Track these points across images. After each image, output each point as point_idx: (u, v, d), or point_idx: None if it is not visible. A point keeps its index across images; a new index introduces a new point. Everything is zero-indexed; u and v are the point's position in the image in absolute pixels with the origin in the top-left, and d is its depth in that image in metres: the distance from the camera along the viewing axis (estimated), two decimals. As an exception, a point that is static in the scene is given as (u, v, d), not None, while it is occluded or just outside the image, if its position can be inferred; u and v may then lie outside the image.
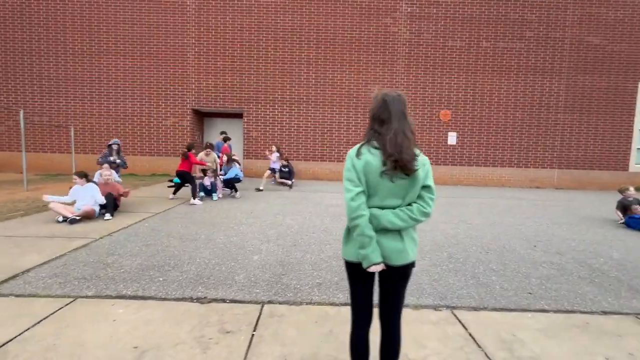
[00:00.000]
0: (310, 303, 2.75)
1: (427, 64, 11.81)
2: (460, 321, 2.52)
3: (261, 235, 4.67)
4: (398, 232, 1.50)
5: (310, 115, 11.96)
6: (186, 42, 11.64)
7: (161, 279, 3.10)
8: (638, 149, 12.31)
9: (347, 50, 11.75)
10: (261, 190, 8.81)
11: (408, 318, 2.52)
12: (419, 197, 1.52)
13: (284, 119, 11.96)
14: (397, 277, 1.58)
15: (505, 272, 3.57)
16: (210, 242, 4.27)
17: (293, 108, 11.93)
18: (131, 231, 4.64)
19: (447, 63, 11.83)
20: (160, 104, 11.87)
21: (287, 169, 10.13)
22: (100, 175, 5.73)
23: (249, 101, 11.87)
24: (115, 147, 7.04)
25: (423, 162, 1.50)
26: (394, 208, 1.50)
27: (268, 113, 11.94)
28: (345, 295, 2.88)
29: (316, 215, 6.05)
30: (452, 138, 12.05)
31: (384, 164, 1.45)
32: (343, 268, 3.50)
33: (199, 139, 12.69)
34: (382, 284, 1.61)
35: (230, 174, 8.02)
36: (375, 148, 1.49)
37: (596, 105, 12.00)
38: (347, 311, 2.21)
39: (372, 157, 1.47)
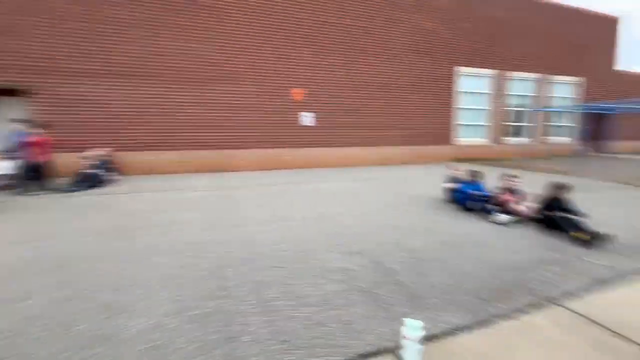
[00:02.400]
0: None
1: (277, 37, 10.70)
2: None
3: None
4: None
5: (138, 93, 9.46)
6: None
7: None
8: (462, 125, 14.27)
9: (182, 14, 9.59)
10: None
11: None
12: None
13: (99, 97, 9.11)
14: None
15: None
16: None
17: (114, 83, 9.18)
18: None
19: (298, 37, 10.99)
20: None
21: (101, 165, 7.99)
22: None
23: (38, 73, 8.54)
24: None
25: None
26: None
27: (73, 89, 8.87)
28: None
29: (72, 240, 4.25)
30: (307, 118, 11.48)
31: None
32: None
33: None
34: None
35: None
36: None
37: (427, 86, 13.22)
38: None
39: None
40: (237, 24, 10.21)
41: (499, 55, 14.39)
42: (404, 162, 13.13)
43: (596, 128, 17.52)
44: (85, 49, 8.85)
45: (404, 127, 13.01)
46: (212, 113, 10.25)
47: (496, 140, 14.99)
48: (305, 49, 11.07)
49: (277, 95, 10.96)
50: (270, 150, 11.08)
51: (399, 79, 12.57)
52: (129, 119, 9.45)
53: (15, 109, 8.61)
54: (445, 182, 6.26)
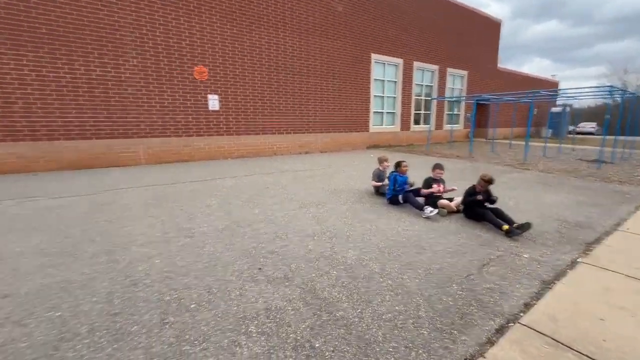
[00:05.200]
0: None
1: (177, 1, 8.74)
2: None
3: None
4: None
5: None
6: None
7: None
8: (374, 112, 14.51)
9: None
10: None
11: None
12: None
13: None
14: None
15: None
16: None
17: None
18: None
19: (205, 4, 9.22)
20: None
21: None
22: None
23: None
24: None
25: None
26: None
27: None
28: None
29: None
30: (213, 102, 9.92)
31: None
32: None
33: None
34: None
35: None
36: None
37: (344, 72, 12.92)
38: None
39: None
40: (111, -24, 7.93)
41: (405, 45, 14.96)
42: (323, 150, 12.71)
43: (480, 116, 20.16)
44: None
45: (323, 114, 12.51)
46: (76, 91, 7.88)
47: (404, 127, 15.80)
48: (210, 18, 9.38)
49: (170, 72, 9.09)
50: (168, 140, 9.24)
51: (312, 61, 11.87)
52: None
53: None
54: (373, 177, 5.81)
